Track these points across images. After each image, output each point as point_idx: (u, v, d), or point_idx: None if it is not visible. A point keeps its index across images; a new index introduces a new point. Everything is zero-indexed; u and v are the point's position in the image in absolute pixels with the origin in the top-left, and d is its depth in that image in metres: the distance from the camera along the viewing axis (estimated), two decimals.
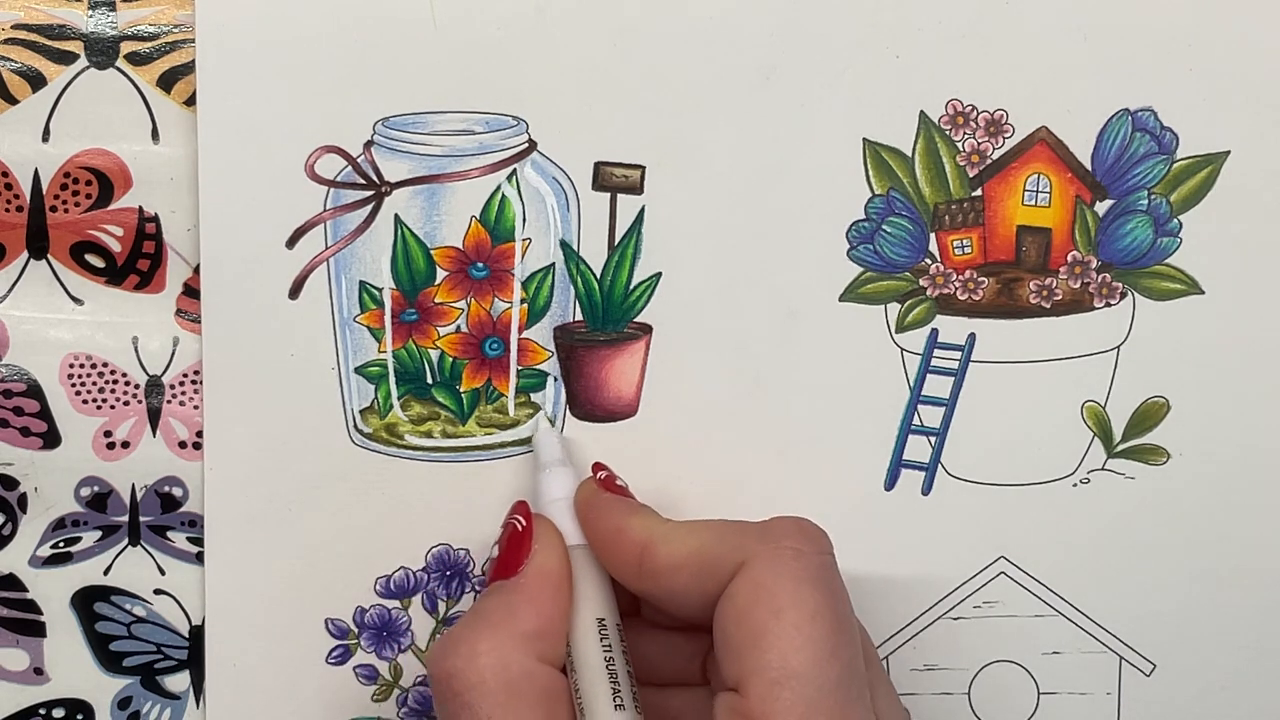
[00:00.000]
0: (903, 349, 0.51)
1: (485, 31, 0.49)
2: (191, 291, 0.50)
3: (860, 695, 0.42)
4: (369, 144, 0.49)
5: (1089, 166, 0.51)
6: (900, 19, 0.50)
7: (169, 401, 0.51)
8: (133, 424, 0.51)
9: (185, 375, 0.50)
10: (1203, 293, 0.51)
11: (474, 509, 0.51)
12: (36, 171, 0.49)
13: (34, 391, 0.50)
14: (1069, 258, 0.51)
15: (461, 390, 0.51)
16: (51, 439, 0.50)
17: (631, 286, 0.51)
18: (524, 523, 0.47)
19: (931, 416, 0.51)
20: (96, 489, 0.51)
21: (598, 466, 0.49)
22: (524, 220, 0.50)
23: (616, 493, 0.47)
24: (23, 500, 0.51)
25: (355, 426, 0.51)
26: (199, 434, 0.50)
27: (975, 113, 0.50)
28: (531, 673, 0.43)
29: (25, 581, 0.51)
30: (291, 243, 0.50)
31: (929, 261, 0.51)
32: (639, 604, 0.48)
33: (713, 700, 0.43)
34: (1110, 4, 0.50)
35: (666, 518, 0.46)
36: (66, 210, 0.50)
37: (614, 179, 0.50)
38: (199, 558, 0.51)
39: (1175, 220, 0.51)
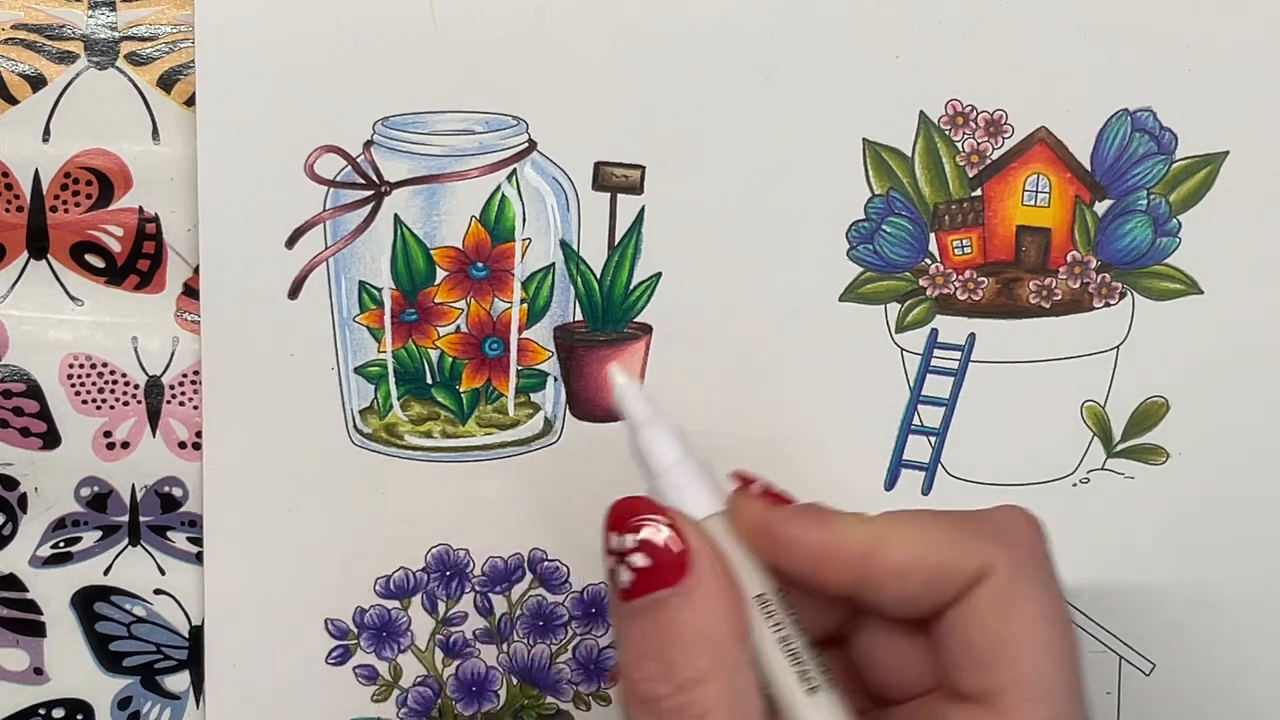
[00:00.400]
0: (903, 349, 0.51)
1: (485, 31, 0.49)
2: (191, 291, 0.50)
3: (1084, 693, 0.41)
4: (369, 144, 0.49)
5: (1088, 166, 0.51)
6: (900, 19, 0.50)
7: (169, 401, 0.51)
8: (133, 424, 0.51)
9: (185, 375, 0.50)
10: (1202, 293, 0.51)
11: (474, 509, 0.51)
12: (36, 171, 0.49)
13: (34, 391, 0.50)
14: (1068, 258, 0.51)
15: (461, 390, 0.51)
16: (51, 439, 0.50)
17: (631, 286, 0.51)
18: (666, 522, 0.41)
19: (931, 416, 0.51)
20: (96, 489, 0.51)
21: (740, 477, 0.44)
22: (524, 220, 0.50)
23: (783, 501, 0.43)
24: (23, 500, 0.51)
25: (355, 426, 0.51)
26: (199, 434, 0.50)
27: (975, 113, 0.50)
28: (750, 681, 0.40)
29: (25, 581, 0.51)
30: (291, 243, 0.50)
31: (929, 261, 0.51)
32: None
33: (932, 705, 0.42)
34: (1110, 4, 0.50)
35: (869, 515, 0.43)
36: (66, 210, 0.50)
37: (614, 179, 0.50)
38: (199, 558, 0.51)
39: (1174, 220, 0.51)
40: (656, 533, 0.41)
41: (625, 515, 0.42)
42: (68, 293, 0.50)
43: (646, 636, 0.41)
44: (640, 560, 0.41)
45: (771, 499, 0.43)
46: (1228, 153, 0.51)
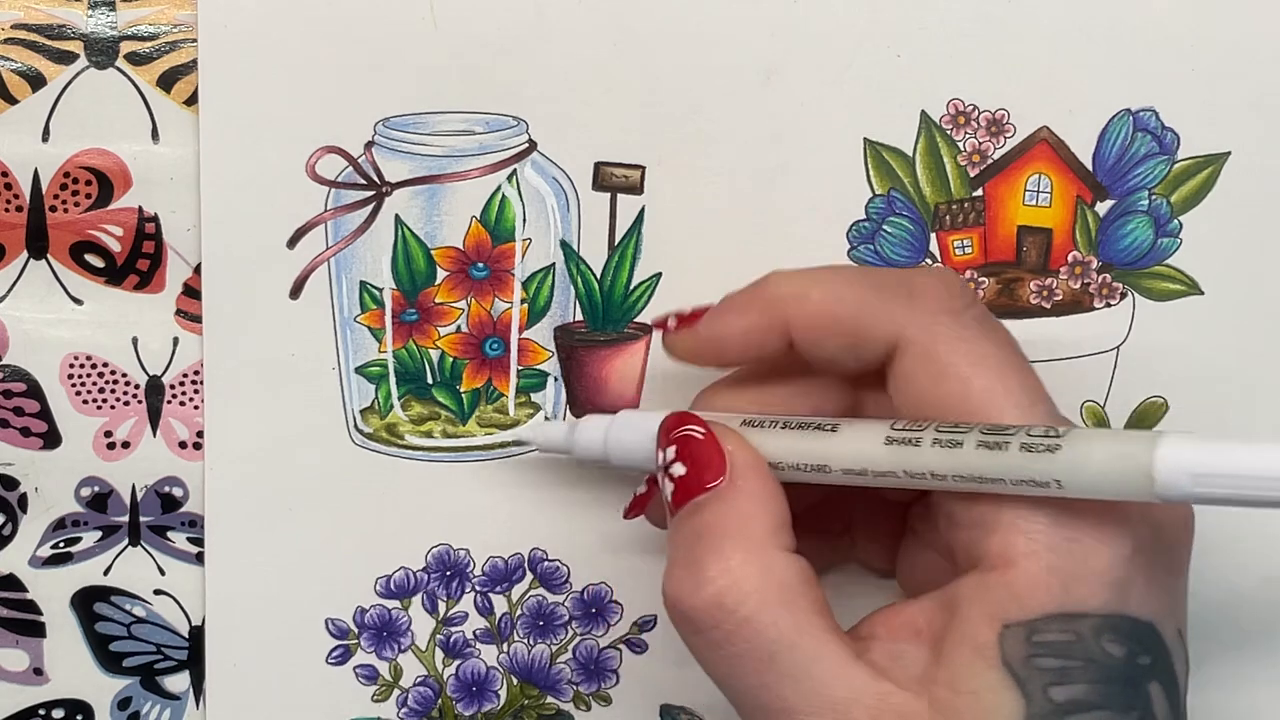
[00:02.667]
0: None
1: (485, 31, 0.49)
2: (191, 291, 0.50)
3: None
4: (369, 144, 0.49)
5: (1090, 167, 0.51)
6: (901, 19, 0.50)
7: (169, 401, 0.51)
8: (133, 424, 0.51)
9: (185, 375, 0.50)
10: (1202, 293, 0.51)
11: (474, 509, 0.51)
12: (36, 171, 0.49)
13: (34, 391, 0.50)
14: (1069, 258, 0.51)
15: (462, 390, 0.51)
16: (52, 439, 0.50)
17: (631, 286, 0.50)
18: (701, 430, 0.42)
19: None
20: (97, 489, 0.51)
21: (659, 324, 0.45)
22: (524, 220, 0.50)
23: (697, 317, 0.44)
24: (23, 500, 0.51)
25: (355, 426, 0.51)
26: (199, 434, 0.50)
27: (976, 112, 0.50)
28: (789, 564, 0.40)
29: (25, 582, 0.51)
30: (292, 243, 0.50)
31: (929, 261, 0.51)
32: None
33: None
34: (1112, 4, 0.50)
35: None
36: (66, 210, 0.50)
37: (614, 179, 0.50)
38: (199, 558, 0.51)
39: (1176, 221, 0.51)
40: (693, 439, 0.42)
41: (670, 428, 0.43)
42: (68, 293, 0.50)
43: (683, 546, 0.41)
44: (679, 469, 0.42)
45: (685, 321, 0.44)
46: (1229, 153, 0.51)
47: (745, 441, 0.42)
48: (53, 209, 0.50)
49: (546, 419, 0.51)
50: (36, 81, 0.49)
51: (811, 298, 0.42)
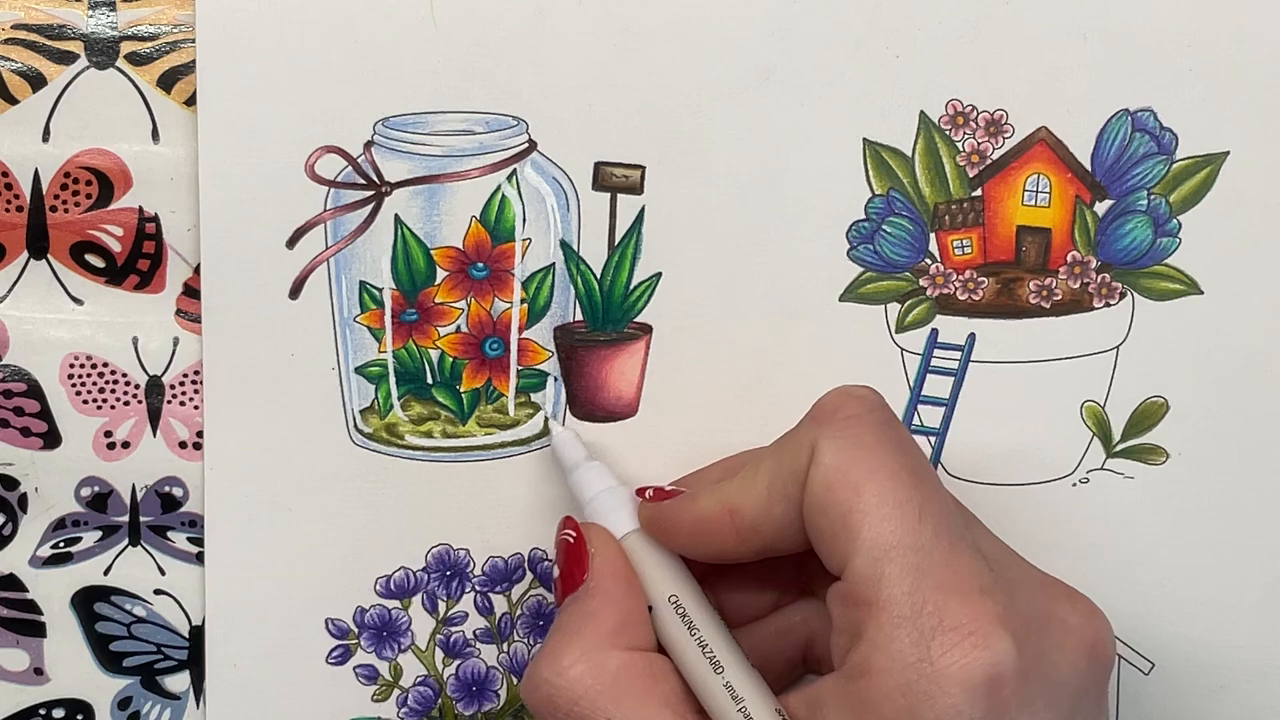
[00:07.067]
0: (903, 349, 0.51)
1: (485, 31, 0.49)
2: (191, 291, 0.50)
3: (962, 537, 0.41)
4: (369, 144, 0.49)
5: (1089, 167, 0.51)
6: (900, 19, 0.50)
7: (169, 401, 0.51)
8: (133, 424, 0.51)
9: (185, 375, 0.50)
10: (1202, 293, 0.51)
11: (474, 509, 0.51)
12: (36, 171, 0.49)
13: (34, 391, 0.50)
14: (1068, 258, 0.51)
15: (461, 390, 0.51)
16: (52, 439, 0.50)
17: (631, 286, 0.51)
18: (574, 534, 0.46)
19: (931, 416, 0.51)
20: (97, 489, 0.51)
21: (640, 490, 0.47)
22: (524, 220, 0.50)
23: (670, 496, 0.46)
24: (23, 500, 0.51)
25: (355, 426, 0.51)
26: (199, 434, 0.50)
27: (975, 113, 0.50)
28: (629, 662, 0.43)
29: (25, 581, 0.51)
30: (292, 243, 0.50)
31: (929, 261, 0.51)
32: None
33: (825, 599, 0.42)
34: (1110, 4, 0.50)
35: (718, 476, 0.46)
36: (66, 210, 0.50)
37: (614, 179, 0.50)
38: (199, 558, 0.51)
39: (1175, 220, 0.51)
40: (566, 542, 0.46)
41: (558, 530, 0.47)
42: (68, 293, 0.50)
43: (546, 641, 0.44)
44: (555, 570, 0.46)
45: (661, 496, 0.46)
46: (1228, 153, 0.51)
47: (610, 544, 0.46)
48: (53, 209, 0.50)
49: (547, 419, 0.51)
50: (37, 81, 0.49)
51: (745, 477, 0.44)
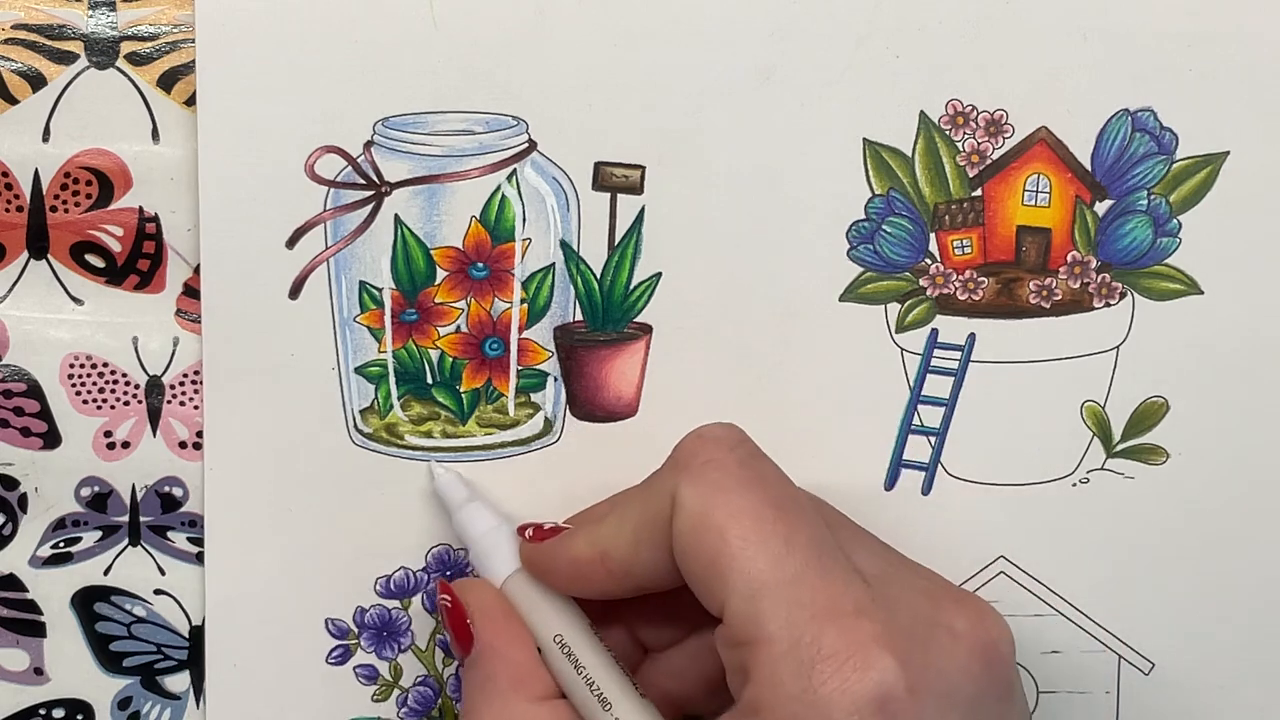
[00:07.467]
0: (903, 349, 0.51)
1: (485, 31, 0.49)
2: (191, 291, 0.50)
3: (835, 560, 0.41)
4: (369, 144, 0.49)
5: (1089, 167, 0.51)
6: (900, 19, 0.50)
7: (169, 401, 0.51)
8: (133, 424, 0.51)
9: (185, 375, 0.50)
10: (1202, 293, 0.51)
11: None
12: (36, 171, 0.49)
13: (34, 391, 0.50)
14: (1068, 258, 0.51)
15: (461, 390, 0.51)
16: (51, 439, 0.50)
17: (631, 286, 0.51)
18: (450, 598, 0.47)
19: (931, 416, 0.51)
20: (97, 489, 0.51)
21: (521, 529, 0.48)
22: (524, 220, 0.50)
23: (551, 535, 0.47)
24: (23, 500, 0.51)
25: (355, 426, 0.51)
26: (199, 434, 0.50)
27: (975, 113, 0.50)
28: (535, 715, 0.44)
29: (25, 581, 0.51)
30: (291, 243, 0.50)
31: (929, 261, 0.51)
32: None
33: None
34: (1110, 4, 0.50)
35: (597, 517, 0.46)
36: (66, 210, 0.50)
37: (614, 179, 0.50)
38: (199, 558, 0.51)
39: (1175, 220, 0.51)
40: (446, 608, 0.47)
41: (438, 592, 0.47)
42: (68, 293, 0.50)
43: (465, 704, 0.46)
44: (446, 636, 0.48)
45: (540, 536, 0.46)
46: (1228, 153, 0.51)
47: (489, 599, 0.46)
48: (53, 209, 0.50)
49: (548, 419, 0.51)
50: (37, 81, 0.49)
51: (610, 521, 0.45)
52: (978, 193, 0.51)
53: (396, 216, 0.50)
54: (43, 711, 0.52)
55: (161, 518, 0.51)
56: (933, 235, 0.51)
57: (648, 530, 0.43)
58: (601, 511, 0.46)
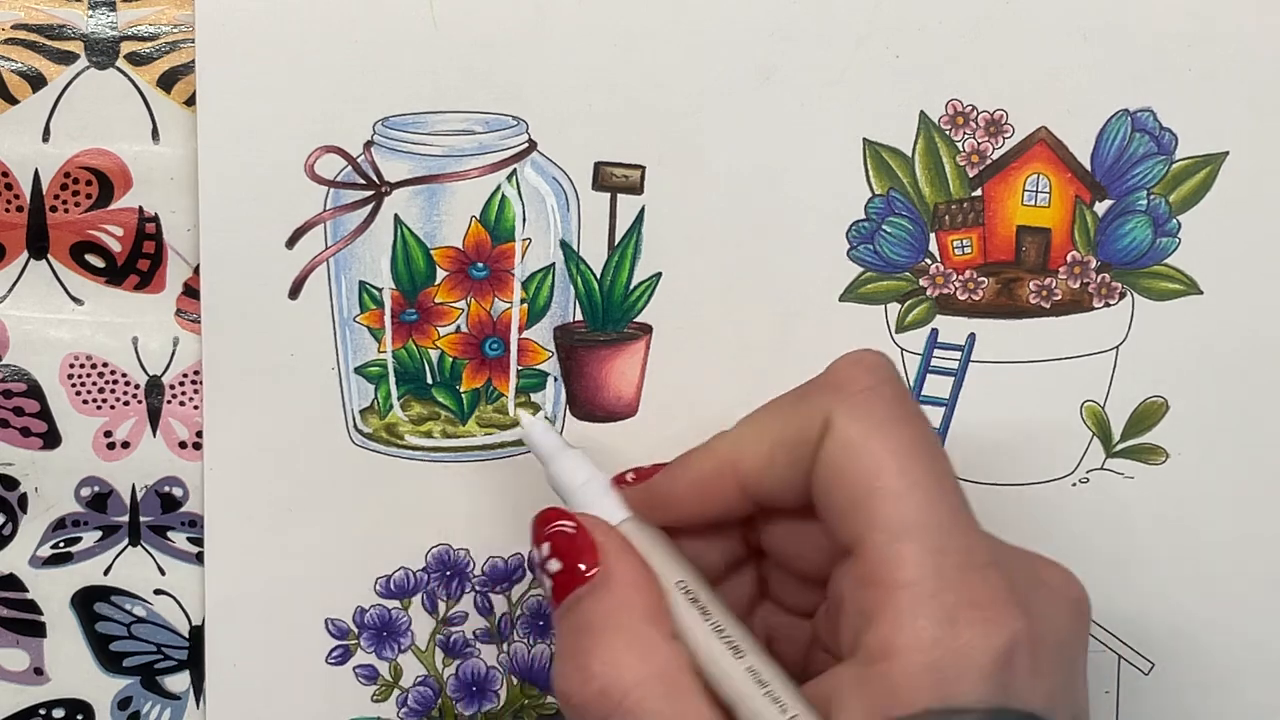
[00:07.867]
0: (903, 349, 0.51)
1: (485, 31, 0.49)
2: (191, 291, 0.50)
3: (970, 514, 0.40)
4: (369, 144, 0.49)
5: (1088, 167, 0.51)
6: (900, 19, 0.50)
7: (169, 401, 0.51)
8: (133, 424, 0.51)
9: (185, 375, 0.50)
10: (1201, 293, 0.51)
11: (474, 509, 0.51)
12: (36, 171, 0.49)
13: (34, 391, 0.50)
14: (1068, 258, 0.51)
15: (461, 390, 0.51)
16: (51, 439, 0.50)
17: (631, 286, 0.51)
18: (573, 524, 0.44)
19: (931, 416, 0.51)
20: (97, 489, 0.51)
21: (618, 477, 0.45)
22: (524, 220, 0.50)
23: (653, 473, 0.45)
24: (23, 500, 0.51)
25: (355, 426, 0.51)
26: (199, 434, 0.50)
27: (975, 113, 0.50)
28: (672, 653, 0.41)
29: (25, 581, 0.51)
30: (291, 243, 0.50)
31: (929, 261, 0.51)
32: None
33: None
34: (1110, 4, 0.50)
35: (722, 435, 0.44)
36: (66, 210, 0.50)
37: (614, 179, 0.50)
38: (199, 558, 0.51)
39: (1174, 220, 0.51)
40: (564, 534, 0.43)
41: (540, 526, 0.44)
42: (68, 293, 0.50)
43: (567, 639, 0.42)
44: (555, 565, 0.43)
45: (643, 476, 0.45)
46: (1228, 153, 0.51)
47: (614, 532, 0.43)
48: (53, 209, 0.50)
49: (548, 418, 0.51)
50: (37, 81, 0.49)
51: (747, 431, 0.43)
52: (978, 193, 0.51)
53: (396, 216, 0.50)
54: (43, 711, 0.52)
55: (161, 518, 0.51)
56: (933, 235, 0.51)
57: (787, 447, 0.42)
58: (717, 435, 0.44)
